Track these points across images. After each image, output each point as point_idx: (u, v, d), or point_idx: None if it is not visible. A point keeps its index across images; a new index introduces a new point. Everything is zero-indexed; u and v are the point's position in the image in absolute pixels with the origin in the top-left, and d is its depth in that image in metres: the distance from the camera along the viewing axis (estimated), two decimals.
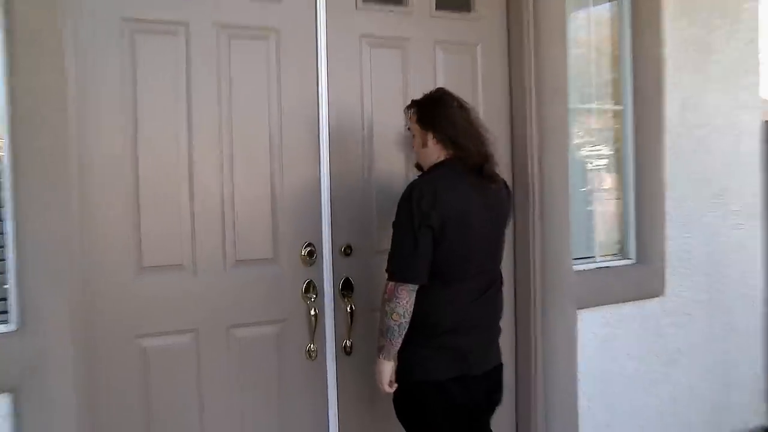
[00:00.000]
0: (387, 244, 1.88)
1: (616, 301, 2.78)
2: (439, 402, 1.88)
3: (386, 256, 1.87)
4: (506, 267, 2.34)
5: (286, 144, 2.18)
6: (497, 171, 1.95)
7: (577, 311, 2.64)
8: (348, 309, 2.26)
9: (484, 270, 1.94)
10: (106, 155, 1.93)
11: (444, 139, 1.90)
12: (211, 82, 2.06)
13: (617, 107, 2.88)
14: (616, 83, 2.88)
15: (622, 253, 2.91)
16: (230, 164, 2.10)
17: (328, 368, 2.27)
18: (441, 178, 1.88)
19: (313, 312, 2.19)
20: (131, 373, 1.98)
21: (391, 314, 1.83)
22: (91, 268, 1.91)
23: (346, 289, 2.29)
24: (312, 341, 2.21)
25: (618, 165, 2.91)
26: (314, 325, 2.20)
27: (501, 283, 2.03)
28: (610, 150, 2.92)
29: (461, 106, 1.94)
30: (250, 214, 2.13)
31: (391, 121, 2.33)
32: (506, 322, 2.32)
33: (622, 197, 2.90)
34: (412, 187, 1.86)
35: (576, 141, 2.81)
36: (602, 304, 2.74)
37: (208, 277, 2.07)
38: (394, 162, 2.38)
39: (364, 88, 2.32)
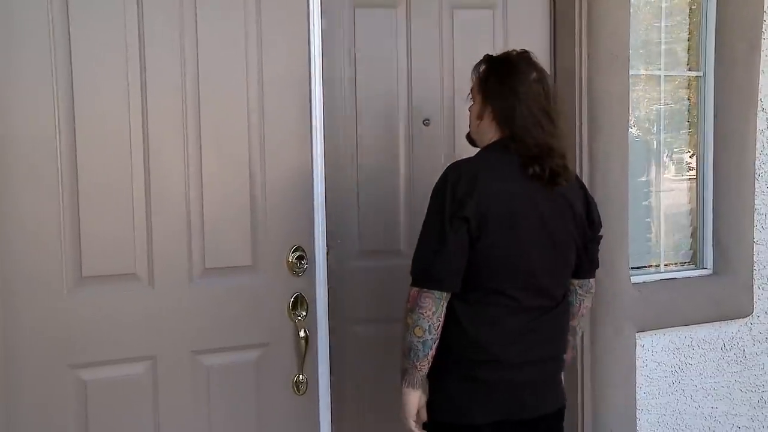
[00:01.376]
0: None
1: (689, 323, 2.69)
2: None
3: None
4: None
5: (268, 122, 2.09)
6: (563, 167, 1.80)
7: (637, 334, 2.56)
8: None
9: (542, 287, 1.80)
10: (31, 136, 1.85)
11: (500, 118, 1.79)
12: (172, 43, 1.97)
13: (694, 73, 2.77)
14: (693, 41, 2.76)
15: (695, 261, 2.82)
16: (197, 148, 2.01)
17: (320, 405, 2.20)
18: (488, 160, 1.79)
19: (302, 334, 2.11)
20: (67, 417, 1.91)
21: (414, 328, 1.72)
22: (12, 277, 1.84)
23: None
24: (301, 371, 2.14)
25: (693, 148, 2.80)
26: (304, 351, 2.12)
27: (565, 306, 1.90)
28: (683, 128, 2.81)
29: (540, 80, 1.80)
30: (222, 211, 2.05)
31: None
32: None
33: (696, 189, 2.80)
34: (449, 169, 1.78)
35: (637, 117, 2.71)
36: (670, 326, 2.65)
37: (169, 289, 2.00)
38: (408, 145, 2.32)
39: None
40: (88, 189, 1.90)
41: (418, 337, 1.72)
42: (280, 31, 2.09)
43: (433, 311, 1.71)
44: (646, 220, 2.76)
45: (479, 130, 1.87)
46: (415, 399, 1.77)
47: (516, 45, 2.39)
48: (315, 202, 2.16)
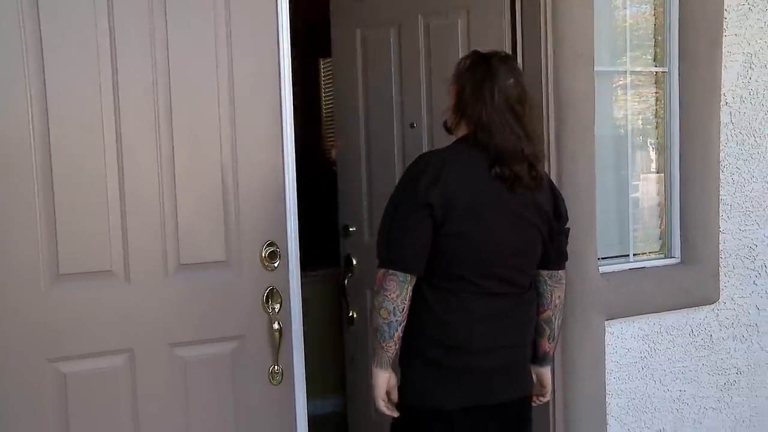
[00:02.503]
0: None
1: (657, 310, 2.68)
2: None
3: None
4: None
5: (240, 121, 2.10)
6: (530, 174, 1.81)
7: (606, 322, 2.55)
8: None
9: (506, 276, 1.83)
10: (5, 135, 1.86)
11: (468, 115, 1.82)
12: (143, 44, 1.98)
13: (659, 69, 2.76)
14: (659, 37, 2.75)
15: (664, 250, 2.81)
16: (169, 147, 2.02)
17: (296, 395, 2.21)
18: (456, 152, 1.82)
19: (276, 326, 2.12)
20: (47, 408, 1.92)
21: (379, 310, 1.76)
22: None
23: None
24: (276, 362, 2.15)
25: (660, 140, 2.79)
26: (278, 342, 2.13)
27: (531, 294, 1.94)
28: (650, 122, 2.80)
29: (516, 86, 1.79)
30: (195, 209, 2.06)
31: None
32: None
33: (664, 182, 2.79)
34: (418, 157, 1.85)
35: (605, 112, 2.70)
36: (638, 314, 2.65)
37: (145, 285, 2.01)
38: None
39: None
40: (63, 187, 1.90)
41: (384, 318, 1.75)
42: (249, 33, 2.09)
43: (397, 294, 1.74)
44: (616, 212, 2.76)
45: (452, 121, 1.89)
46: (383, 379, 1.82)
47: (478, 47, 2.44)
48: (287, 198, 2.17)
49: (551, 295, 1.99)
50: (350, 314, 2.96)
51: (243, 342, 2.13)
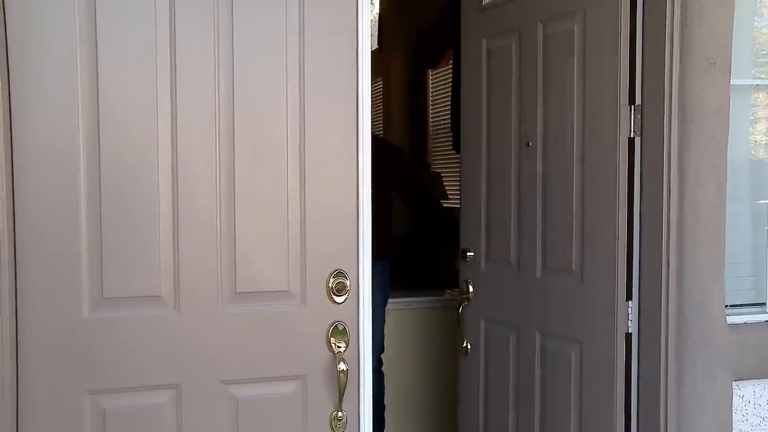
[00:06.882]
0: None
1: None
2: None
3: None
4: (622, 314, 2.18)
5: (309, 135, 1.87)
6: None
7: (734, 383, 2.18)
8: None
9: None
10: (53, 147, 1.72)
11: None
12: (206, 46, 1.79)
13: None
14: None
15: None
16: (230, 159, 1.82)
17: None
18: None
19: (342, 366, 1.89)
20: None
21: None
22: (29, 297, 1.71)
23: None
24: (340, 407, 1.92)
25: None
26: (344, 384, 1.90)
27: None
28: None
29: None
30: (256, 231, 1.86)
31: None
32: (619, 396, 2.18)
33: None
34: None
35: (740, 132, 2.31)
36: None
37: (197, 314, 1.82)
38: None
39: None
40: (111, 202, 1.74)
41: None
42: (325, 34, 1.87)
43: None
44: (751, 251, 2.36)
45: None
46: None
47: (593, 53, 2.17)
48: (360, 223, 1.92)
49: None
50: (464, 344, 2.82)
51: (303, 383, 1.90)
